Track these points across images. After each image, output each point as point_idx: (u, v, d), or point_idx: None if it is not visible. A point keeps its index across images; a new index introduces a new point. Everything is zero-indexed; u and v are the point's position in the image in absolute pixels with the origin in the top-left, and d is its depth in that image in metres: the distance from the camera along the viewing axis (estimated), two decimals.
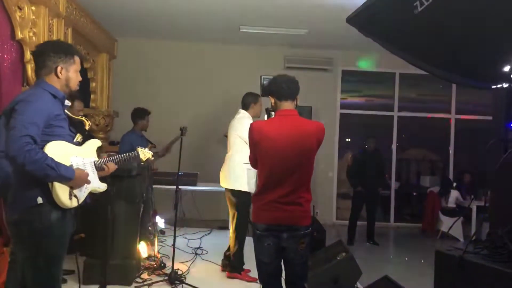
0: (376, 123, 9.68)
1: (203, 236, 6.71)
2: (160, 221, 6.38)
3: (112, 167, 2.73)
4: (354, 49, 8.88)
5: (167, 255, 5.30)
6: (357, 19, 1.94)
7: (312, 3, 6.34)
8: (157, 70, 8.74)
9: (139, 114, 5.82)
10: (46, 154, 2.25)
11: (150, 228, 5.90)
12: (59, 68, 2.48)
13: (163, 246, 5.75)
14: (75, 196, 2.44)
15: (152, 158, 3.23)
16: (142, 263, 4.75)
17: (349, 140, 9.98)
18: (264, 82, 3.65)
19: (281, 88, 2.83)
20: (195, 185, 6.79)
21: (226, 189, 4.81)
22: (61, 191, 2.36)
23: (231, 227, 4.73)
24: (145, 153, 3.12)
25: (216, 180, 7.79)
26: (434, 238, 7.94)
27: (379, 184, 7.52)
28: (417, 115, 9.44)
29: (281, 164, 2.72)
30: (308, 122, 2.85)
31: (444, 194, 8.15)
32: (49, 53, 2.49)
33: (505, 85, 1.70)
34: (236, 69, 8.90)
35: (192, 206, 7.62)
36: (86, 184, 2.51)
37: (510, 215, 1.86)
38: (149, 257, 5.03)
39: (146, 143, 5.45)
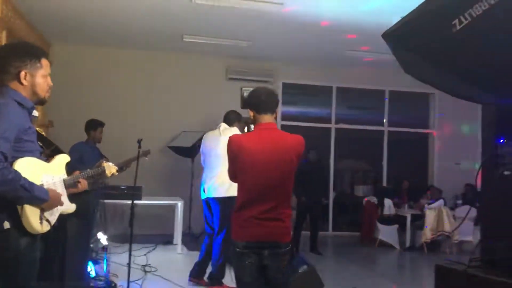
0: (315, 135, 9.92)
1: (148, 252, 6.42)
2: (102, 238, 6.01)
3: (84, 184, 2.51)
4: (293, 62, 9.09)
5: (115, 274, 5.02)
6: (394, 34, 1.96)
7: (255, 15, 6.40)
8: (96, 77, 8.31)
9: (90, 125, 5.51)
10: (20, 174, 2.01)
11: (92, 245, 5.57)
12: (22, 74, 2.22)
13: (108, 264, 5.41)
14: (47, 220, 2.20)
15: (117, 174, 3.03)
16: (91, 284, 4.44)
17: None
18: (245, 93, 3.56)
19: (260, 101, 2.76)
20: (139, 199, 6.50)
21: (215, 200, 4.76)
22: (32, 215, 2.12)
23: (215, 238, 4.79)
24: (110, 169, 2.91)
25: (161, 193, 7.62)
26: (373, 246, 8.23)
27: (322, 194, 7.68)
28: (353, 127, 9.81)
29: (261, 179, 2.64)
30: (287, 135, 2.78)
31: (381, 204, 8.48)
32: (9, 57, 2.23)
33: None
34: (178, 79, 8.73)
35: (135, 221, 7.27)
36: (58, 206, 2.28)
37: (503, 230, 1.97)
38: (96, 277, 4.72)
39: (99, 156, 5.12)
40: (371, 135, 10.02)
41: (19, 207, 2.09)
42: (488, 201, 2.12)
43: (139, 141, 4.27)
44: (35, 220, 2.14)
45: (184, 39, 7.71)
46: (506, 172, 1.98)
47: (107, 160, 5.39)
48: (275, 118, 2.83)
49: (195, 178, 7.76)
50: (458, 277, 1.89)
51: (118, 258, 5.84)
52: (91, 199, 4.03)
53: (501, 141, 2.05)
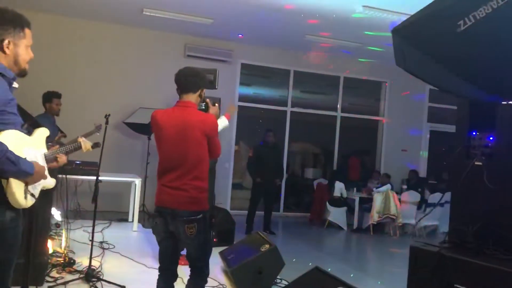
0: (270, 117, 10.06)
1: (103, 229, 6.35)
2: (56, 213, 5.86)
3: (63, 159, 2.46)
4: (253, 43, 9.12)
5: (72, 251, 4.94)
6: (403, 30, 2.05)
7: None
8: (51, 48, 7.92)
9: (45, 98, 5.26)
10: (6, 146, 1.94)
11: None
12: (6, 42, 2.12)
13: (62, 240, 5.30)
14: (32, 195, 2.15)
15: (91, 150, 2.99)
16: (49, 261, 4.34)
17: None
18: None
19: (179, 81, 2.93)
20: (94, 175, 6.34)
21: None
22: (17, 189, 2.06)
23: None
24: (86, 144, 2.88)
25: (115, 170, 7.48)
26: (322, 227, 8.55)
27: (277, 176, 7.83)
28: (308, 111, 10.02)
29: (169, 152, 2.85)
30: (195, 114, 2.87)
31: (331, 186, 8.77)
32: None
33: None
34: (136, 54, 8.52)
35: (88, 197, 7.11)
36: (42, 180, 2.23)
37: (472, 214, 2.16)
38: (54, 253, 4.62)
39: (56, 131, 4.96)
40: (324, 120, 10.28)
41: (4, 182, 2.03)
42: (460, 188, 2.30)
43: (106, 117, 4.17)
44: (20, 194, 2.09)
45: (144, 12, 7.52)
46: (477, 162, 2.17)
47: (64, 136, 5.25)
48: (200, 96, 2.95)
49: (151, 155, 7.68)
50: (431, 257, 2.07)
51: (72, 234, 5.73)
52: (53, 173, 3.89)
53: (474, 133, 2.24)
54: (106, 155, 7.55)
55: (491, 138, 2.18)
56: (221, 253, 4.86)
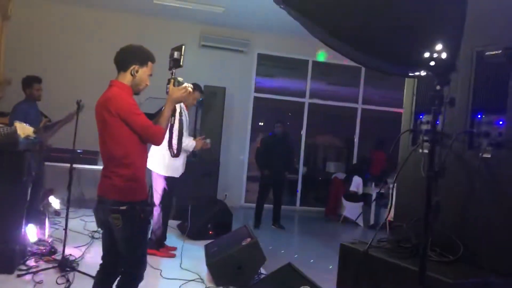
0: (289, 109, 9.78)
1: None
2: (54, 202, 5.87)
3: None
4: (270, 33, 8.84)
5: (60, 239, 4.89)
6: None
7: None
8: (60, 36, 8.02)
9: (25, 82, 5.17)
10: None
11: (41, 209, 5.42)
12: None
13: (56, 229, 5.28)
14: None
15: (34, 135, 2.84)
16: (29, 248, 4.30)
17: (262, 124, 10.01)
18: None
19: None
20: (95, 164, 6.33)
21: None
22: None
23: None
24: (24, 129, 2.73)
25: None
26: (337, 222, 8.22)
27: (286, 168, 7.56)
28: (327, 103, 9.66)
29: (98, 137, 2.66)
30: (105, 92, 2.64)
31: (348, 180, 8.41)
32: None
33: (423, 73, 1.64)
34: (148, 43, 8.40)
35: (93, 186, 7.11)
36: None
37: (412, 209, 1.85)
38: (38, 242, 4.58)
39: (39, 116, 4.91)
40: (345, 112, 9.89)
41: None
42: (401, 179, 1.99)
43: (78, 102, 4.02)
44: None
45: (154, 1, 7.43)
46: (421, 150, 1.85)
47: (49, 121, 5.20)
48: (132, 75, 2.67)
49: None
50: (358, 257, 1.79)
51: (69, 222, 5.71)
52: (25, 160, 3.81)
53: (421, 117, 1.92)
54: None
55: (438, 123, 1.85)
56: (206, 245, 4.68)
